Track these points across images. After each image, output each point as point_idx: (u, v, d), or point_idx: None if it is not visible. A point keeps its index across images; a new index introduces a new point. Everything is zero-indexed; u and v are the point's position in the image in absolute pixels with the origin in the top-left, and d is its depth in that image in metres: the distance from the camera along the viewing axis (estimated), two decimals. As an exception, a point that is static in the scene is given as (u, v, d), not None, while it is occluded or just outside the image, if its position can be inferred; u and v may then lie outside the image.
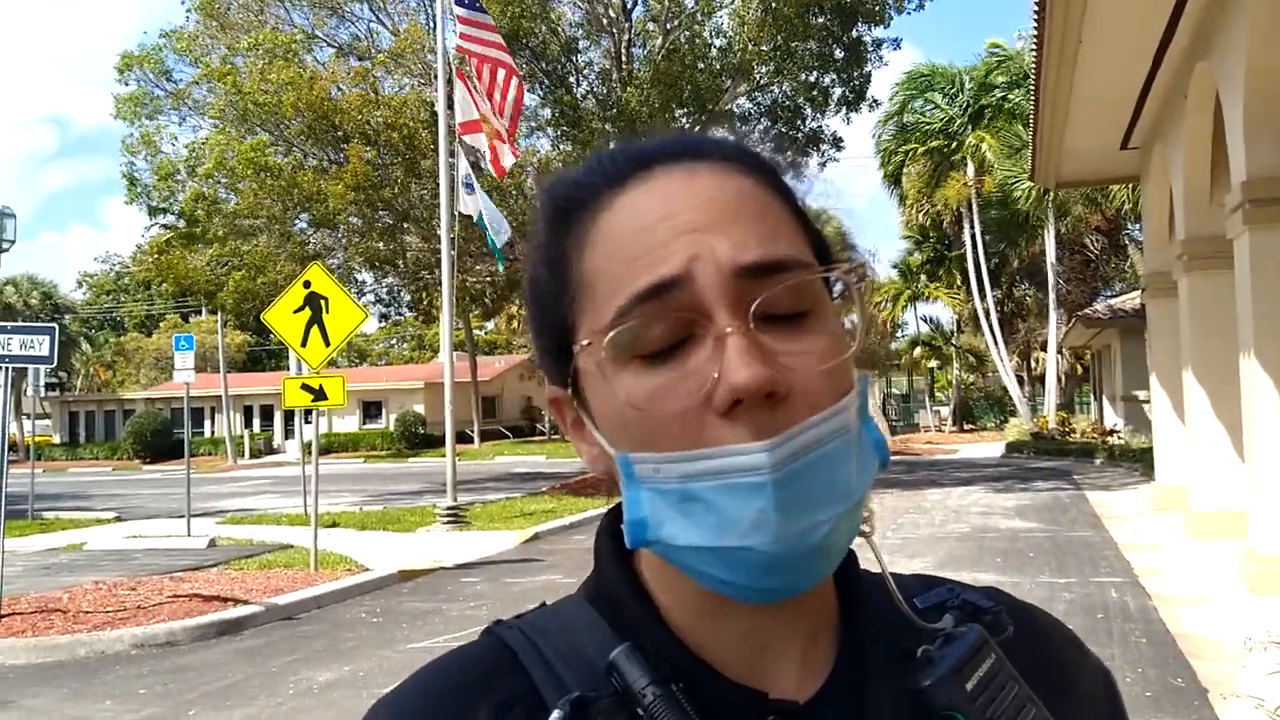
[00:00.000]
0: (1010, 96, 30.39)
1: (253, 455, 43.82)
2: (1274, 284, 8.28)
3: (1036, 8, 9.37)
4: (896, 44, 27.53)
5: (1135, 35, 9.87)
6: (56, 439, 50.35)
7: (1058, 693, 0.68)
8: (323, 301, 11.05)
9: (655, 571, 0.67)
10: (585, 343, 0.62)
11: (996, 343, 33.08)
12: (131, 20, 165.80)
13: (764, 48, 21.87)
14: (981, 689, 0.61)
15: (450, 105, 15.00)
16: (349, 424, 45.76)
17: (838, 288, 0.66)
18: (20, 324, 11.61)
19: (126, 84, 21.96)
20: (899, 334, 45.12)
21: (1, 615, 8.80)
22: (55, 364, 9.98)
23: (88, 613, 9.11)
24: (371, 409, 46.27)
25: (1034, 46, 10.46)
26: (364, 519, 16.86)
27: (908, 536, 12.82)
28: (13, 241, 18.37)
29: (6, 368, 9.38)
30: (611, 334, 0.59)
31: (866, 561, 0.71)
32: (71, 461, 45.39)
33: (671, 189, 0.62)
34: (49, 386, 51.84)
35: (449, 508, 15.08)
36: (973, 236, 32.46)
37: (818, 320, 0.61)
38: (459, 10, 14.15)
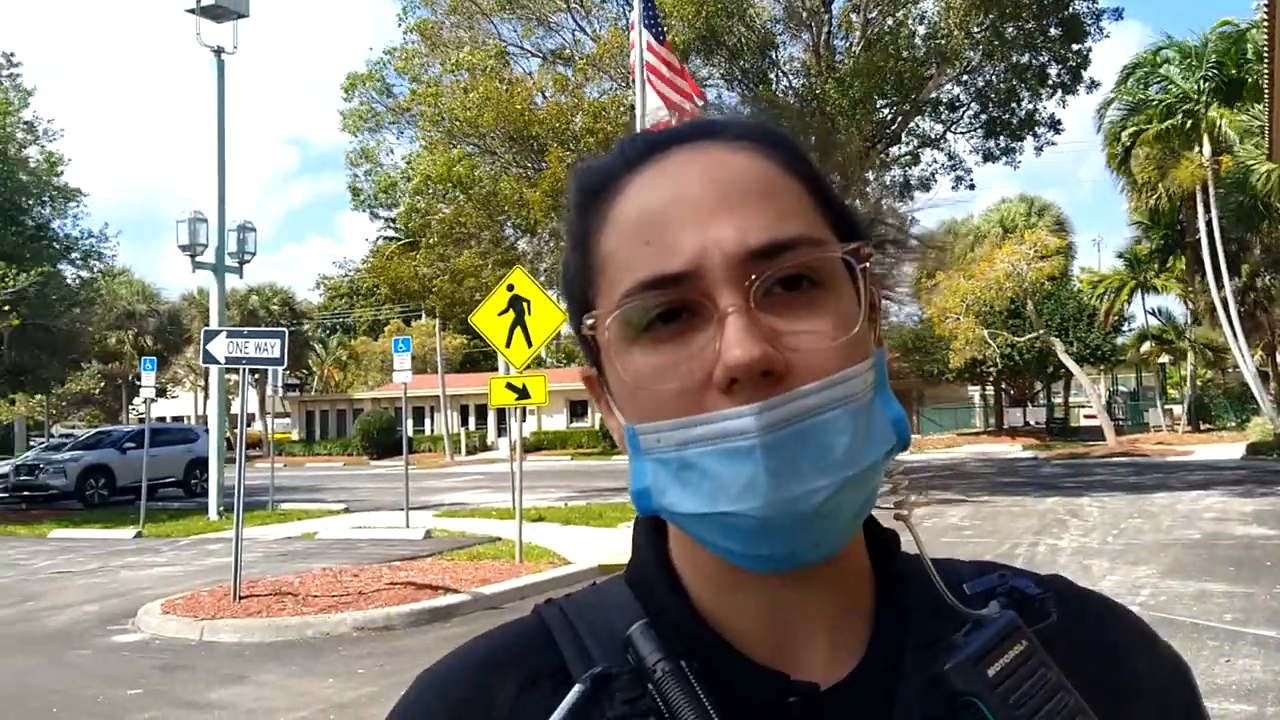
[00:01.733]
0: (1258, 69, 27.88)
1: (468, 452, 45.98)
2: None
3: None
4: (1118, 14, 25.92)
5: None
6: (295, 436, 54.43)
7: (1113, 681, 0.67)
8: (525, 304, 11.39)
9: (680, 548, 0.68)
10: (589, 322, 0.64)
11: (1236, 336, 30.51)
12: (365, 46, 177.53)
13: (973, 30, 21.06)
14: (1005, 676, 0.60)
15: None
16: (557, 422, 47.28)
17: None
18: (255, 328, 12.65)
19: (351, 101, 23.59)
20: (1125, 327, 42.36)
21: (241, 597, 9.60)
22: (286, 365, 10.77)
23: (316, 597, 9.80)
24: (578, 408, 47.59)
25: (1266, 16, 9.60)
26: (568, 514, 17.36)
27: (1130, 542, 12.06)
28: (253, 253, 20.08)
29: (244, 368, 10.23)
30: (615, 313, 0.61)
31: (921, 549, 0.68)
32: (308, 457, 49.04)
33: (682, 170, 0.63)
34: (288, 387, 56.03)
35: (649, 504, 15.30)
36: (1208, 222, 30.06)
37: (830, 298, 0.61)
38: (647, 36, 14.25)
